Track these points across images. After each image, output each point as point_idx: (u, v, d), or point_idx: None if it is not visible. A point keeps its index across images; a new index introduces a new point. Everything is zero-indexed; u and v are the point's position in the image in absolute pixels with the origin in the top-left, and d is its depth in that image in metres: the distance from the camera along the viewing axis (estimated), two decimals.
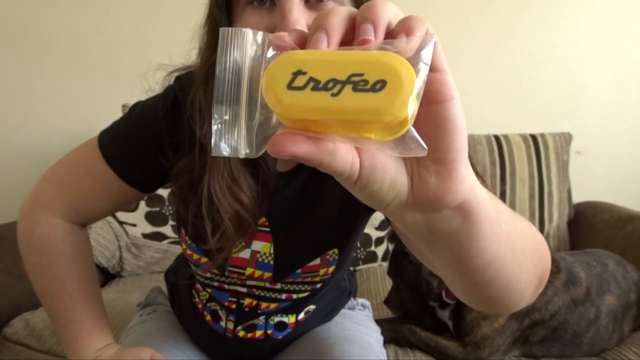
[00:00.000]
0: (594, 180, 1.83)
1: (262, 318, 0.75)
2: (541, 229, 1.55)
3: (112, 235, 1.46)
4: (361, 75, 0.24)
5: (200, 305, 0.77)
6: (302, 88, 0.24)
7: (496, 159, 1.58)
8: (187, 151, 0.63)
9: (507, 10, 1.78)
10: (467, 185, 0.30)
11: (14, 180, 1.78)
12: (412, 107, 0.24)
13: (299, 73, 0.24)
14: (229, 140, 0.27)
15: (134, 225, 1.49)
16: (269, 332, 0.75)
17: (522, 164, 1.58)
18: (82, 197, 0.70)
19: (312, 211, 0.68)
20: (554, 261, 1.06)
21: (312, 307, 0.78)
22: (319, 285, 0.74)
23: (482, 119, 1.81)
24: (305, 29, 0.50)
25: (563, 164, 1.62)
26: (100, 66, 1.78)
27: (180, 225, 0.71)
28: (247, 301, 0.73)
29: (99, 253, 1.40)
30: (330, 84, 0.24)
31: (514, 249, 0.37)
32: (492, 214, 0.33)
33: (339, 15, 0.27)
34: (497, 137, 1.62)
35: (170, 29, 1.75)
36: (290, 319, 0.76)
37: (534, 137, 1.63)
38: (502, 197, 1.55)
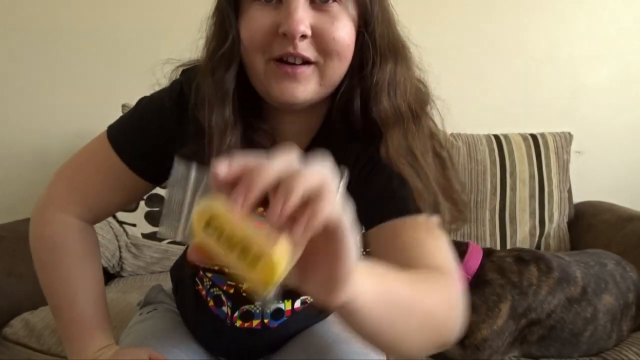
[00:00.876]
0: (594, 180, 1.82)
1: (258, 304, 0.75)
2: (541, 229, 1.55)
3: (112, 235, 1.46)
4: (248, 247, 0.31)
5: (204, 292, 0.78)
6: (211, 234, 0.32)
7: (496, 159, 1.58)
8: (193, 142, 0.63)
9: (507, 10, 1.78)
10: (349, 294, 0.35)
11: (14, 180, 1.78)
12: (275, 287, 0.31)
13: (211, 221, 0.32)
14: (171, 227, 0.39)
15: (134, 225, 1.49)
16: (266, 321, 0.75)
17: (523, 163, 1.58)
18: (94, 192, 0.70)
19: None
20: (545, 260, 1.07)
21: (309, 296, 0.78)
22: None
23: (482, 119, 1.81)
24: (309, 29, 0.53)
25: (563, 164, 1.62)
26: (100, 66, 1.78)
27: None
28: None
29: None
30: (226, 243, 0.31)
31: (397, 332, 0.44)
32: (376, 313, 0.40)
33: (266, 177, 0.30)
34: (497, 137, 1.62)
35: (171, 29, 1.75)
36: (286, 306, 0.76)
37: (534, 137, 1.63)
38: (502, 197, 1.55)
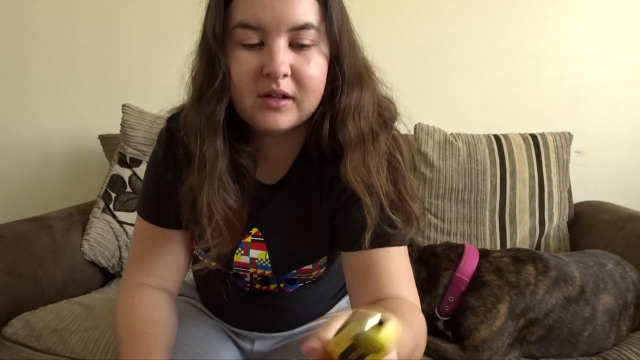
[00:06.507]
0: (594, 180, 1.83)
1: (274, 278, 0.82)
2: (541, 229, 1.55)
3: (112, 235, 1.46)
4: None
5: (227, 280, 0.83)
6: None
7: (496, 159, 1.58)
8: (187, 171, 0.68)
9: (508, 10, 1.78)
10: None
11: (14, 180, 1.78)
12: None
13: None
14: None
15: (134, 225, 1.48)
16: (282, 285, 0.82)
17: (523, 163, 1.58)
18: (152, 261, 0.75)
19: (299, 223, 0.75)
20: (543, 260, 1.07)
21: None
22: (314, 276, 0.81)
23: (482, 119, 1.81)
24: (289, 70, 0.61)
25: (563, 164, 1.61)
26: (100, 66, 1.78)
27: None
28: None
29: (99, 253, 1.40)
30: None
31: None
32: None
33: None
34: (497, 137, 1.62)
35: (171, 30, 1.75)
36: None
37: (534, 137, 1.63)
38: (502, 197, 1.55)
